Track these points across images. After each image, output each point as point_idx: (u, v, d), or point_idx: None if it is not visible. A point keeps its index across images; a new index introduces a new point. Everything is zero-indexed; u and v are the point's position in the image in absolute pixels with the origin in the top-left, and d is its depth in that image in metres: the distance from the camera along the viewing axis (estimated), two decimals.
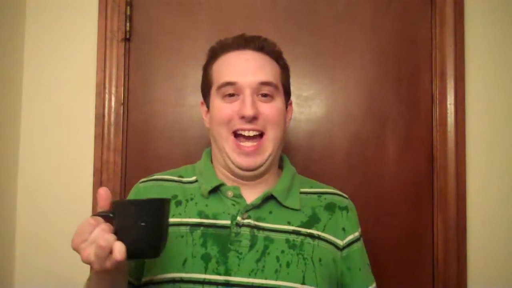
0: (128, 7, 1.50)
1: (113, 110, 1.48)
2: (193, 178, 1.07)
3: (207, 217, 0.99)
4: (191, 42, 1.51)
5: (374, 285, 1.09)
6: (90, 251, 0.75)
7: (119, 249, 0.73)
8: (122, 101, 1.49)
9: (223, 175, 1.04)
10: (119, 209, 0.80)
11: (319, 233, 1.02)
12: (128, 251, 0.75)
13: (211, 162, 1.08)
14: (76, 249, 0.77)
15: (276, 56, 1.06)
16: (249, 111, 0.96)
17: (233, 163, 1.00)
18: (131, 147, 1.49)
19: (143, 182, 1.08)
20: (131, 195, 1.07)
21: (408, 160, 1.51)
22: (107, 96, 1.48)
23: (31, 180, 1.49)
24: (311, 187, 1.10)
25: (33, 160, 1.49)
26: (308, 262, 0.97)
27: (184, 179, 1.07)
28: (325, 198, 1.08)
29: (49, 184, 1.49)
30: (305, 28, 1.52)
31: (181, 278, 0.93)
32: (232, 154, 1.00)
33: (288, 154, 1.50)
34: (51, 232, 1.48)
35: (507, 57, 1.51)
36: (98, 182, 1.46)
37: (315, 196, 1.08)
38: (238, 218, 0.98)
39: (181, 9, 1.52)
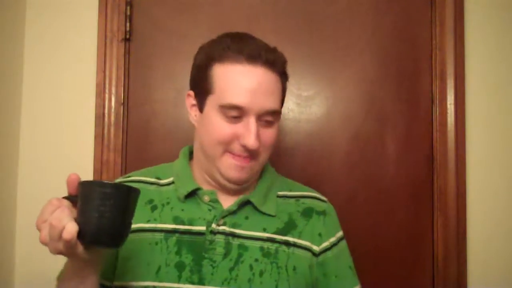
0: (128, 7, 1.50)
1: (113, 110, 1.48)
2: (170, 180, 1.03)
3: (182, 222, 0.97)
4: (191, 42, 1.50)
5: (358, 287, 1.06)
6: (46, 232, 0.75)
7: (68, 229, 0.72)
8: (122, 101, 1.49)
9: (201, 178, 1.01)
10: (83, 190, 0.77)
11: (295, 240, 1.00)
12: (85, 236, 0.73)
13: (189, 162, 1.05)
14: (38, 227, 0.77)
15: (283, 70, 0.99)
16: (253, 145, 0.91)
17: (223, 176, 0.96)
18: (131, 147, 1.49)
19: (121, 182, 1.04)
20: None
21: (408, 160, 1.51)
22: (107, 96, 1.48)
23: (31, 180, 1.49)
24: (290, 190, 1.07)
25: (33, 160, 1.49)
26: (282, 271, 0.96)
27: (161, 181, 1.04)
28: (303, 203, 1.05)
29: (49, 184, 1.49)
30: (305, 28, 1.52)
31: (154, 286, 0.92)
32: (225, 169, 0.95)
33: (288, 154, 1.51)
34: None
35: (507, 57, 1.51)
36: None
37: (293, 200, 1.05)
38: (213, 225, 0.96)
39: (181, 9, 1.52)
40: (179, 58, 1.51)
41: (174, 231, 0.96)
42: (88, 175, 1.47)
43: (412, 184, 1.50)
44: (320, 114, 1.51)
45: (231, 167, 0.94)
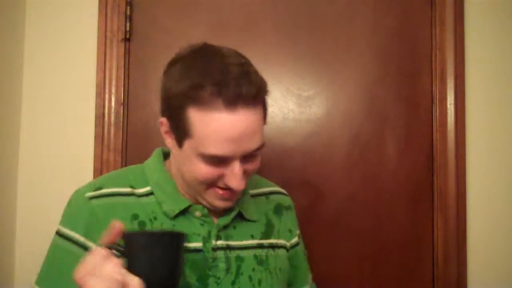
0: (128, 7, 1.50)
1: (113, 110, 1.48)
2: (148, 189, 0.94)
3: None
4: (191, 42, 1.50)
5: (311, 276, 1.13)
6: (96, 285, 0.69)
7: (136, 285, 0.69)
8: (122, 101, 1.49)
9: (187, 193, 0.94)
10: (133, 242, 0.74)
11: (276, 240, 1.01)
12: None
13: (165, 169, 0.97)
14: (79, 280, 0.70)
15: (263, 97, 0.89)
16: (239, 187, 0.86)
17: (209, 204, 0.92)
18: (131, 147, 1.49)
19: (93, 198, 0.91)
20: (82, 214, 0.91)
21: (408, 160, 1.51)
22: (107, 96, 1.48)
23: (31, 180, 1.49)
24: (258, 187, 1.06)
25: (33, 160, 1.49)
26: (273, 276, 0.97)
27: (138, 191, 0.94)
28: (272, 200, 1.06)
29: (49, 184, 1.49)
30: (305, 28, 1.52)
31: None
32: (211, 199, 0.90)
33: (288, 154, 1.51)
34: (51, 232, 1.47)
35: (507, 57, 1.51)
36: None
37: (264, 198, 1.05)
38: (213, 242, 0.93)
39: (181, 9, 1.52)
40: None
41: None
42: (88, 175, 1.47)
43: (412, 184, 1.50)
44: (320, 114, 1.51)
45: (217, 198, 0.90)
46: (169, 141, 0.92)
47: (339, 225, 1.49)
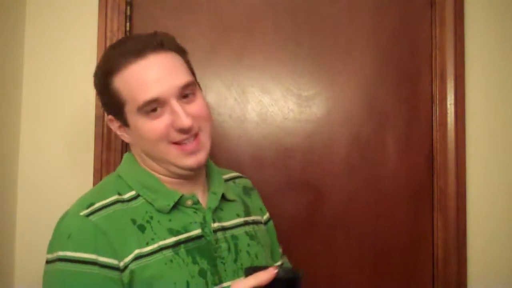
0: (128, 7, 1.50)
1: None
2: (132, 193, 0.96)
3: (179, 232, 0.94)
4: (191, 42, 1.51)
5: (281, 249, 1.20)
6: None
7: None
8: None
9: (169, 183, 0.97)
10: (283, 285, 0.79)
11: (254, 217, 1.09)
12: None
13: (146, 169, 0.99)
14: None
15: (175, 46, 0.97)
16: (186, 123, 0.90)
17: (180, 167, 0.94)
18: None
19: (90, 214, 0.90)
20: (85, 232, 0.89)
21: (408, 160, 1.51)
22: None
23: (31, 180, 1.49)
24: (223, 174, 1.11)
25: (33, 160, 1.49)
26: (265, 249, 1.06)
27: (124, 197, 0.95)
28: (239, 183, 1.14)
29: (49, 184, 1.49)
30: (305, 28, 1.52)
31: None
32: (177, 159, 0.93)
33: (288, 154, 1.51)
34: (51, 232, 1.47)
35: (507, 57, 1.51)
36: (98, 182, 1.46)
37: (231, 182, 1.13)
38: (212, 225, 0.97)
39: (181, 9, 1.52)
40: None
41: (178, 243, 0.93)
42: (88, 175, 1.47)
43: (412, 185, 1.50)
44: (320, 114, 1.51)
45: (181, 156, 0.93)
46: (124, 135, 1.00)
47: (339, 225, 1.49)
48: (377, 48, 1.52)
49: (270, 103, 1.51)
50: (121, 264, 0.87)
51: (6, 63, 1.44)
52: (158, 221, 0.93)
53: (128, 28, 1.49)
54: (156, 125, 0.91)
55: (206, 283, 0.91)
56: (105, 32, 1.49)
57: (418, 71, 1.52)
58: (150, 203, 0.95)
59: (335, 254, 1.49)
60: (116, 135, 1.48)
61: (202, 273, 0.92)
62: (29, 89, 1.51)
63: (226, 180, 1.11)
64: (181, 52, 0.99)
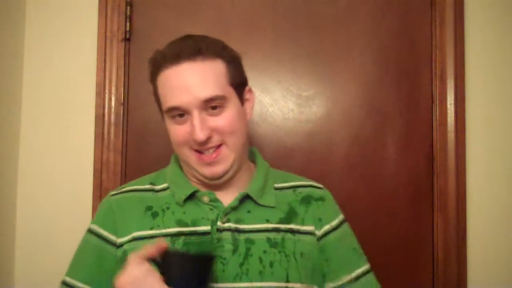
0: (128, 7, 1.50)
1: (113, 110, 1.48)
2: (165, 185, 1.04)
3: (186, 225, 0.97)
4: None
5: (362, 268, 1.06)
6: None
7: None
8: (122, 101, 1.49)
9: (196, 181, 1.02)
10: (173, 261, 0.82)
11: (299, 227, 1.01)
12: None
13: (181, 168, 1.05)
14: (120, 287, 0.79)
15: (218, 53, 0.97)
16: (199, 136, 0.92)
17: (199, 173, 0.98)
18: (131, 147, 1.49)
19: (114, 195, 1.04)
20: (103, 210, 1.04)
21: (408, 160, 1.51)
22: (107, 96, 1.48)
23: (31, 180, 1.49)
24: (285, 181, 1.08)
25: (33, 160, 1.49)
26: (290, 259, 0.97)
27: (156, 187, 1.04)
28: (300, 192, 1.06)
29: (49, 184, 1.49)
30: (305, 28, 1.52)
31: None
32: (196, 166, 0.97)
33: (288, 154, 1.51)
34: (51, 232, 1.48)
35: (507, 57, 1.51)
36: (98, 182, 1.46)
37: (290, 190, 1.06)
38: (219, 223, 0.96)
39: (181, 9, 1.52)
40: None
41: (179, 234, 0.96)
42: (88, 175, 1.47)
43: (412, 184, 1.50)
44: (320, 114, 1.51)
45: (199, 164, 0.97)
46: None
47: None
48: (377, 48, 1.52)
49: (270, 103, 1.51)
50: (118, 241, 0.98)
51: (6, 63, 1.44)
52: (173, 212, 0.99)
53: (128, 28, 1.50)
54: (178, 130, 0.96)
55: None
56: (105, 32, 1.49)
57: (418, 71, 1.52)
58: (173, 195, 1.01)
59: None
60: (116, 134, 1.49)
61: None
62: (29, 89, 1.51)
63: (283, 188, 1.06)
64: (227, 59, 0.98)
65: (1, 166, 1.42)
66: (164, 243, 0.83)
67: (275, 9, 1.52)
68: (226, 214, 0.98)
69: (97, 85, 1.49)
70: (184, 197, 0.99)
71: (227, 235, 0.96)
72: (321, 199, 1.07)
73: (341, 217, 1.08)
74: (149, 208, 1.00)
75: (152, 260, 0.81)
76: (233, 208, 0.99)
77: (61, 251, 1.42)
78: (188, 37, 0.99)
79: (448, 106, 1.49)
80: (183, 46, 0.95)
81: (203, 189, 1.01)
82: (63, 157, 1.49)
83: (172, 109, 0.94)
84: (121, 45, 1.49)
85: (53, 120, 1.50)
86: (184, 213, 0.98)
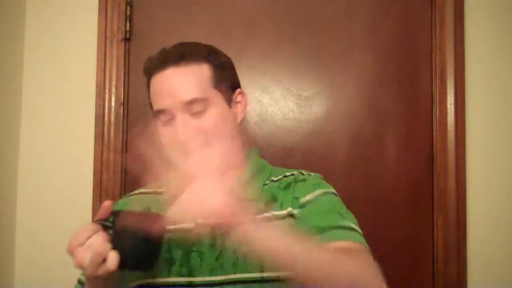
0: (128, 7, 1.50)
1: (113, 110, 1.48)
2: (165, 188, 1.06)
3: (173, 223, 0.97)
4: None
5: (343, 223, 0.96)
6: (84, 256, 0.77)
7: (112, 259, 0.76)
8: (122, 101, 1.49)
9: None
10: (118, 219, 0.81)
11: (276, 212, 0.98)
12: (121, 262, 0.77)
13: None
14: (71, 252, 0.79)
15: (203, 57, 1.00)
16: (181, 137, 0.95)
17: None
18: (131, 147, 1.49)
19: (129, 196, 1.10)
20: (118, 206, 1.06)
21: (408, 160, 1.51)
22: (107, 96, 1.48)
23: (31, 180, 1.49)
24: (275, 175, 1.06)
25: (33, 160, 1.49)
26: None
27: (159, 190, 1.03)
28: (285, 180, 1.04)
29: (49, 184, 1.49)
30: (305, 28, 1.52)
31: (147, 283, 0.95)
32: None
33: (288, 154, 1.50)
34: (51, 232, 1.48)
35: (507, 57, 1.51)
36: (98, 182, 1.46)
37: (276, 182, 1.04)
38: (198, 219, 0.97)
39: (181, 9, 1.52)
40: None
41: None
42: (88, 175, 1.47)
43: (412, 184, 1.50)
44: (320, 114, 1.51)
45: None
46: None
47: None
48: (377, 48, 1.52)
49: (270, 103, 1.51)
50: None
51: (6, 63, 1.44)
52: (165, 211, 0.97)
53: (128, 28, 1.50)
54: (165, 133, 0.98)
55: (169, 271, 0.95)
56: (105, 32, 1.49)
57: (418, 71, 1.52)
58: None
59: None
60: (116, 134, 1.49)
61: (169, 261, 0.95)
62: (29, 89, 1.51)
63: (272, 181, 1.05)
64: (214, 63, 1.01)
65: (1, 166, 1.42)
66: (108, 202, 0.84)
67: (275, 9, 1.52)
68: None
69: (97, 85, 1.49)
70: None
71: (206, 230, 0.96)
72: (303, 180, 1.03)
73: (322, 190, 1.01)
74: (147, 208, 1.01)
75: (101, 221, 0.82)
76: None
77: (61, 251, 1.42)
78: (177, 44, 1.03)
79: (448, 106, 1.49)
80: (169, 53, 0.99)
81: None
82: (63, 157, 1.49)
83: (158, 113, 0.97)
84: (121, 45, 1.49)
85: (53, 120, 1.50)
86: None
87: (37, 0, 1.52)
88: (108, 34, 1.49)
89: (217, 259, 0.95)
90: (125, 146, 1.49)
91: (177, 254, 0.96)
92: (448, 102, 1.50)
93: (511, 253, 1.48)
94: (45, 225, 1.48)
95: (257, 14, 1.52)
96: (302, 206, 0.99)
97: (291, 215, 0.99)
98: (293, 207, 0.99)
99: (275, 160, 1.50)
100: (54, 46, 1.51)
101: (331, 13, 1.52)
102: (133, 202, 1.05)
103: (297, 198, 1.00)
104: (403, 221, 1.50)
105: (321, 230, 0.90)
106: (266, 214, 0.99)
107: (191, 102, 0.96)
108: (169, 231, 0.95)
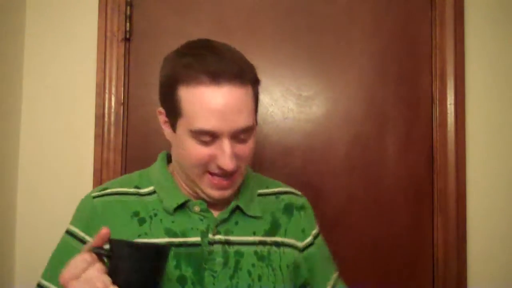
0: (128, 7, 1.50)
1: (113, 110, 1.48)
2: (151, 189, 0.99)
3: (175, 235, 0.93)
4: None
5: (335, 274, 1.10)
6: None
7: None
8: (122, 101, 1.49)
9: (188, 190, 0.98)
10: (119, 250, 0.77)
11: (282, 239, 1.01)
12: None
13: (168, 169, 1.01)
14: (64, 283, 0.74)
15: (252, 78, 0.92)
16: (229, 166, 0.88)
17: (205, 194, 0.94)
18: (131, 147, 1.49)
19: (97, 197, 0.97)
20: (84, 211, 0.97)
21: (408, 160, 1.51)
22: (107, 96, 1.48)
23: (31, 180, 1.49)
24: (267, 187, 1.07)
25: (33, 160, 1.49)
26: (277, 273, 0.97)
27: (142, 191, 0.98)
28: (282, 199, 1.06)
29: (49, 184, 1.49)
30: (305, 28, 1.52)
31: None
32: (205, 187, 0.93)
33: (288, 154, 1.51)
34: (51, 232, 1.47)
35: (507, 57, 1.51)
36: (98, 182, 1.46)
37: (273, 197, 1.06)
38: (210, 236, 0.94)
39: (181, 8, 1.52)
40: None
41: (169, 245, 0.92)
42: (88, 175, 1.47)
43: (412, 185, 1.50)
44: (320, 114, 1.51)
45: (212, 186, 0.93)
46: (167, 132, 0.97)
47: (339, 225, 1.49)
48: (377, 48, 1.52)
49: (270, 103, 1.51)
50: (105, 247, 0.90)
51: (6, 63, 1.44)
52: (161, 220, 0.95)
53: (128, 28, 1.50)
54: (200, 151, 0.89)
55: None
56: (105, 32, 1.49)
57: (418, 71, 1.52)
58: (161, 201, 0.97)
59: (334, 254, 1.49)
60: (116, 134, 1.49)
61: (181, 280, 0.91)
62: (29, 89, 1.51)
63: (266, 194, 1.05)
64: (255, 85, 0.94)
65: (1, 166, 1.42)
66: (105, 230, 0.77)
67: (275, 9, 1.52)
68: (217, 226, 0.96)
69: (97, 85, 1.49)
70: (175, 205, 0.95)
71: (218, 247, 0.94)
72: (303, 208, 1.07)
73: (317, 226, 1.10)
74: (135, 213, 0.95)
75: (98, 250, 0.77)
76: (224, 220, 0.97)
77: None
78: (221, 49, 0.91)
79: (448, 106, 1.50)
80: (224, 65, 0.87)
81: (194, 199, 0.97)
82: (63, 157, 1.49)
83: (202, 132, 0.87)
84: (121, 45, 1.49)
85: (53, 120, 1.50)
86: (173, 222, 0.95)
87: (37, 0, 1.52)
88: (108, 34, 1.49)
89: (231, 278, 0.93)
90: (125, 146, 1.49)
91: (188, 272, 0.92)
92: (448, 102, 1.50)
93: (511, 253, 1.48)
94: (45, 225, 1.48)
95: (257, 14, 1.52)
96: (309, 244, 1.05)
97: (294, 246, 1.03)
98: (298, 240, 1.04)
99: (275, 160, 1.50)
100: (54, 46, 1.51)
101: (331, 13, 1.52)
102: (117, 206, 0.96)
103: (303, 232, 1.05)
104: (403, 221, 1.50)
105: (332, 280, 1.09)
106: (275, 239, 1.00)
107: (245, 129, 0.89)
108: (175, 244, 0.92)
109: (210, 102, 0.86)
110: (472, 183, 1.49)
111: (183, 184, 0.98)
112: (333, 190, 1.49)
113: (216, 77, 0.86)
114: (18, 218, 1.48)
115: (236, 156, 0.90)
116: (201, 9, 1.52)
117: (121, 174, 1.47)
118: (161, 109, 0.97)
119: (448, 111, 1.49)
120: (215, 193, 0.93)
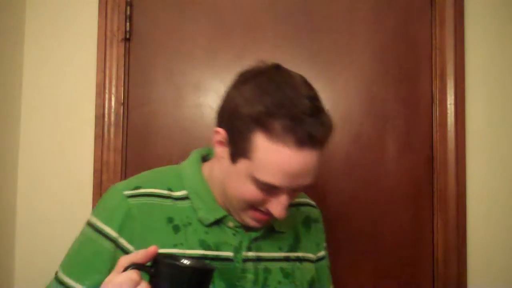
0: (128, 7, 1.50)
1: (113, 110, 1.48)
2: (184, 193, 0.94)
3: (209, 248, 0.91)
4: (191, 42, 1.51)
5: (332, 286, 1.14)
6: None
7: None
8: (122, 101, 1.49)
9: (223, 204, 0.94)
10: (163, 269, 0.74)
11: (303, 254, 1.02)
12: None
13: (202, 175, 0.96)
14: None
15: (327, 141, 0.89)
16: (282, 216, 0.87)
17: (241, 219, 0.92)
18: (131, 147, 1.49)
19: (131, 196, 0.92)
20: (118, 211, 0.91)
21: (408, 160, 1.51)
22: (107, 96, 1.48)
23: (31, 180, 1.49)
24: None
25: (33, 160, 1.49)
26: None
27: (174, 194, 0.94)
28: (302, 212, 1.06)
29: (49, 185, 1.49)
30: (305, 28, 1.52)
31: None
32: (246, 218, 0.91)
33: None
34: (51, 232, 1.48)
35: (507, 57, 1.51)
36: (98, 183, 1.46)
37: (294, 209, 1.04)
38: (243, 253, 0.93)
39: (181, 9, 1.52)
40: (179, 58, 1.51)
41: (203, 258, 0.89)
42: (88, 176, 1.47)
43: (412, 184, 1.50)
44: None
45: (252, 219, 0.90)
46: (220, 151, 0.90)
47: (339, 225, 1.49)
48: (377, 48, 1.52)
49: None
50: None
51: (6, 63, 1.44)
52: (195, 230, 0.92)
53: (128, 28, 1.50)
54: (255, 193, 0.86)
55: None
56: (105, 32, 1.49)
57: (418, 71, 1.52)
58: (195, 210, 0.93)
59: (334, 254, 1.49)
60: (116, 135, 1.49)
61: None
62: (29, 89, 1.51)
63: (291, 206, 0.99)
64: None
65: (1, 166, 1.42)
66: (154, 248, 0.74)
67: (275, 9, 1.52)
68: (250, 243, 0.94)
69: (97, 85, 1.49)
70: (213, 220, 0.92)
71: (250, 265, 0.93)
72: (317, 220, 1.09)
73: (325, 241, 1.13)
74: (170, 219, 0.91)
75: (142, 267, 0.74)
76: (257, 237, 0.95)
77: (61, 251, 1.42)
78: (316, 110, 0.88)
79: (448, 106, 1.50)
80: (315, 129, 0.83)
81: (227, 213, 0.95)
82: (63, 157, 1.49)
83: (267, 185, 0.84)
84: (121, 45, 1.49)
85: (53, 120, 1.50)
86: (206, 233, 0.92)
87: (37, 0, 1.52)
88: (108, 34, 1.49)
89: None
90: (125, 146, 1.49)
91: (221, 286, 0.90)
92: (448, 102, 1.50)
93: (511, 253, 1.48)
94: (45, 225, 1.48)
95: (257, 14, 1.52)
96: (321, 258, 1.08)
97: (311, 261, 1.04)
98: (313, 253, 1.06)
99: None
100: (54, 46, 1.51)
101: (331, 13, 1.52)
102: (153, 209, 0.91)
103: (317, 245, 1.07)
104: (403, 221, 1.50)
105: None
106: (297, 254, 1.01)
107: (306, 187, 0.88)
108: (208, 258, 0.90)
109: (288, 165, 0.82)
110: (472, 183, 1.49)
111: (219, 197, 0.94)
112: (333, 190, 1.49)
113: (302, 142, 0.81)
114: (18, 218, 1.48)
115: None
116: (201, 9, 1.52)
117: (121, 174, 1.47)
118: (221, 131, 0.88)
119: (448, 111, 1.49)
120: (253, 223, 0.91)
